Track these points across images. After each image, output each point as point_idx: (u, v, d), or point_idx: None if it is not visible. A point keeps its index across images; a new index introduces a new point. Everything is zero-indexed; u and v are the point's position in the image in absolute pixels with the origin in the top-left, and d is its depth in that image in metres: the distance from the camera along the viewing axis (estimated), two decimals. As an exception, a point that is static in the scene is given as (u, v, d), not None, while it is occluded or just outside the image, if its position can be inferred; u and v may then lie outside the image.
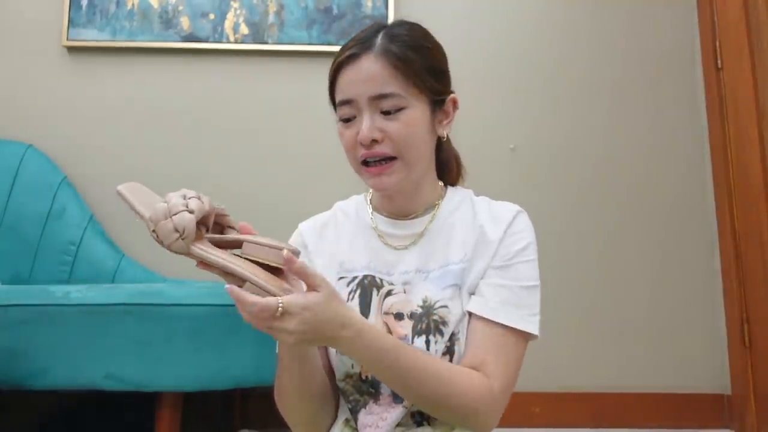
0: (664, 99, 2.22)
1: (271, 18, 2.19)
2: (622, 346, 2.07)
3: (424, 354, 0.79)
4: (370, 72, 0.82)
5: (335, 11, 2.19)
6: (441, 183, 0.96)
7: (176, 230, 0.68)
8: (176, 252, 0.70)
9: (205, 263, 0.72)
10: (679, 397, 2.04)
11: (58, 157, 2.09)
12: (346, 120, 0.85)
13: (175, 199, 0.71)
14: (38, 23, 2.19)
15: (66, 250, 1.94)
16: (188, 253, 0.70)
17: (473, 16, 2.25)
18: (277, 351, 0.83)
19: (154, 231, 0.69)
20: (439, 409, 0.80)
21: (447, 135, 0.92)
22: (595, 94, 2.22)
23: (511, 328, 0.82)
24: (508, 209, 0.90)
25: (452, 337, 0.83)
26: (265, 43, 2.17)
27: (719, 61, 2.14)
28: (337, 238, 0.93)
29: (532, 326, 0.83)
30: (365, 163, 0.85)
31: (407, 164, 0.85)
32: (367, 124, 0.82)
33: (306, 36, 2.17)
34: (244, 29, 2.18)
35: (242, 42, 2.17)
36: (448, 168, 0.97)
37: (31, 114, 2.15)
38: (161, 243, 0.69)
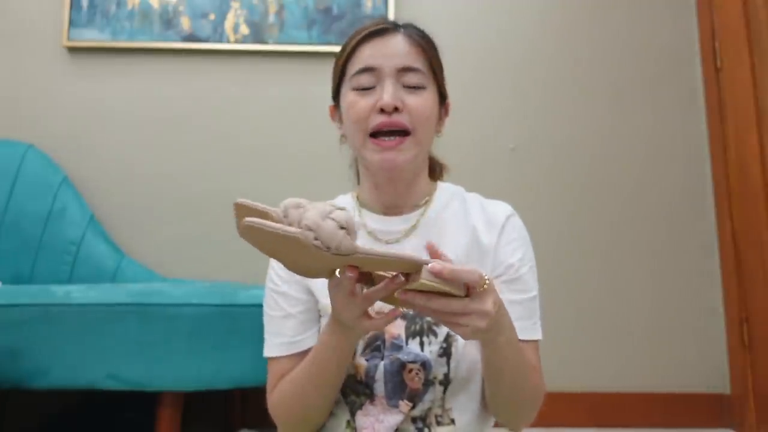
0: (663, 99, 2.22)
1: (271, 18, 2.19)
2: (621, 347, 2.07)
3: None
4: (400, 46, 0.85)
5: (335, 11, 2.19)
6: (430, 180, 0.97)
7: (341, 227, 0.61)
8: (343, 254, 0.60)
9: (360, 271, 0.64)
10: (678, 397, 2.04)
11: (58, 157, 2.09)
12: (363, 89, 0.84)
13: (319, 205, 0.63)
14: (39, 24, 2.19)
15: (66, 249, 1.94)
16: (354, 253, 0.61)
17: (473, 16, 2.25)
18: (317, 343, 0.80)
19: (316, 239, 0.60)
20: (522, 399, 0.83)
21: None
22: (595, 94, 2.22)
23: (527, 339, 0.85)
24: (500, 211, 0.90)
25: (448, 339, 0.83)
26: (265, 43, 2.18)
27: (718, 62, 2.15)
28: None
29: (539, 333, 0.87)
30: (374, 135, 0.83)
31: (418, 142, 0.85)
32: (390, 91, 0.82)
33: (306, 36, 2.18)
34: (244, 29, 2.18)
35: (242, 42, 2.17)
36: (432, 165, 0.99)
37: (31, 114, 2.15)
38: (326, 248, 0.60)
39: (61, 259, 1.93)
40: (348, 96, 0.86)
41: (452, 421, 0.83)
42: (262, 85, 2.19)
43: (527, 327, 0.86)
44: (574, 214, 2.15)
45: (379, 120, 0.82)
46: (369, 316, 0.70)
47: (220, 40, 2.17)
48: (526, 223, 0.93)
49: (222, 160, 2.15)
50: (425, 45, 0.87)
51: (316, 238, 0.60)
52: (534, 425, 2.02)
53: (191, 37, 2.17)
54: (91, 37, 2.16)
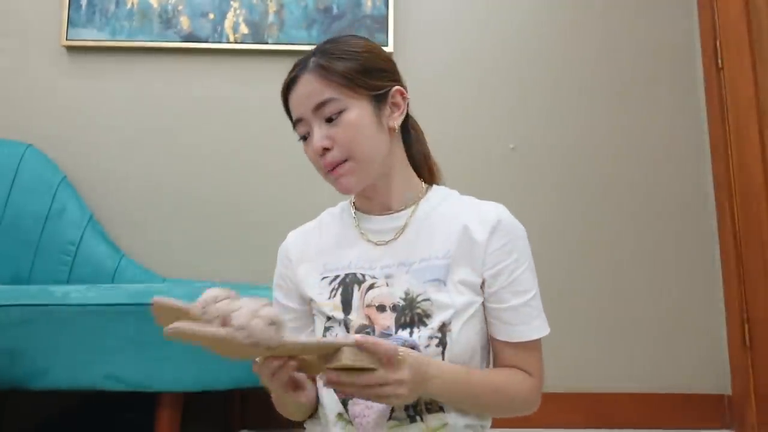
0: (664, 99, 2.22)
1: (271, 18, 2.18)
2: (621, 347, 2.07)
3: (483, 372, 0.88)
4: (308, 85, 0.89)
5: (335, 11, 2.19)
6: (422, 182, 0.99)
7: (272, 323, 0.67)
8: (271, 348, 0.68)
9: (279, 358, 0.74)
10: (679, 397, 2.04)
11: (57, 157, 2.08)
12: (304, 138, 0.92)
13: (247, 301, 0.70)
14: (37, 23, 2.18)
15: (65, 250, 1.94)
16: (281, 345, 0.68)
17: (473, 15, 2.24)
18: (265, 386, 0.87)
19: (248, 336, 0.66)
20: (503, 412, 0.90)
21: (414, 131, 0.99)
22: (596, 93, 2.21)
23: (526, 341, 0.90)
24: (493, 210, 0.92)
25: (443, 328, 0.84)
26: (265, 43, 2.17)
27: (720, 61, 2.14)
28: (323, 241, 0.97)
29: (545, 330, 0.91)
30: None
31: (359, 162, 0.88)
32: (316, 135, 0.88)
33: (306, 36, 2.17)
34: (244, 29, 2.17)
35: (242, 42, 2.17)
36: (417, 165, 1.00)
37: (30, 114, 2.15)
38: (256, 344, 0.66)
39: (60, 260, 1.93)
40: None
41: (441, 409, 0.85)
42: (262, 85, 2.18)
43: (527, 330, 0.89)
44: (574, 213, 2.15)
45: (322, 162, 0.90)
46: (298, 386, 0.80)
47: (219, 40, 2.16)
48: (526, 223, 0.92)
49: (221, 160, 2.14)
50: (329, 68, 0.88)
51: (248, 336, 0.66)
52: (534, 425, 2.02)
53: (190, 37, 2.17)
54: (89, 36, 2.15)
